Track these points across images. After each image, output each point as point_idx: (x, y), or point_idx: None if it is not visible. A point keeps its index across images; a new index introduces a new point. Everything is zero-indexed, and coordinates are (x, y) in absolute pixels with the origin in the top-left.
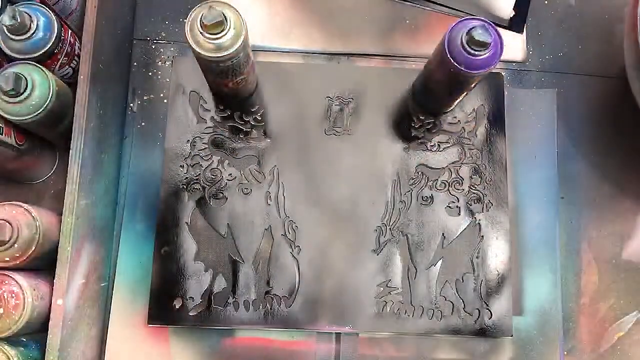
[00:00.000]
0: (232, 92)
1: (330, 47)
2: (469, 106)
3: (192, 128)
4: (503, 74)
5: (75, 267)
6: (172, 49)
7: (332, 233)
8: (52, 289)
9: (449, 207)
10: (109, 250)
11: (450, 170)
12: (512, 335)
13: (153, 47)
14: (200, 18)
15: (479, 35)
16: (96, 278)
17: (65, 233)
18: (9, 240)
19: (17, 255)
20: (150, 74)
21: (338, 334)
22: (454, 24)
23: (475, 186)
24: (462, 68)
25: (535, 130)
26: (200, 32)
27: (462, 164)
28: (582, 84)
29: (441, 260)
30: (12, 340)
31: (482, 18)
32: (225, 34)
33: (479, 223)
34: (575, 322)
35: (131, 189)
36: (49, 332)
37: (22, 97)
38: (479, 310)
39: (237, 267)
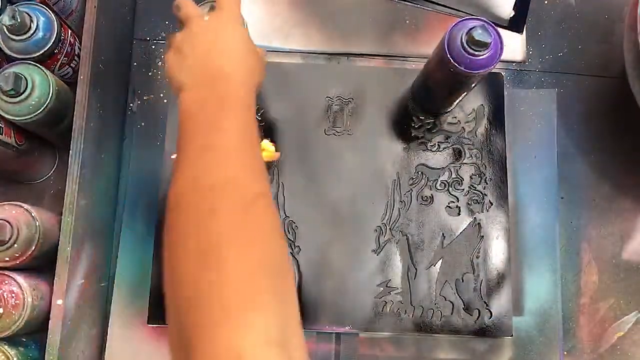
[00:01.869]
0: None
1: (330, 47)
2: (469, 106)
3: None
4: (503, 74)
5: (75, 267)
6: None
7: (332, 233)
8: (52, 289)
9: (449, 207)
10: (109, 250)
11: (450, 170)
12: (512, 335)
13: (153, 47)
14: None
15: (479, 35)
16: (96, 278)
17: (65, 233)
18: (9, 240)
19: (17, 255)
20: (150, 74)
21: (338, 334)
22: (454, 24)
23: (475, 186)
24: (462, 68)
25: (535, 130)
26: None
27: (462, 164)
28: (582, 84)
29: (441, 260)
30: (12, 340)
31: (482, 18)
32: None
33: (479, 223)
34: (575, 322)
35: (131, 189)
36: (48, 332)
37: (22, 97)
38: (479, 310)
39: None
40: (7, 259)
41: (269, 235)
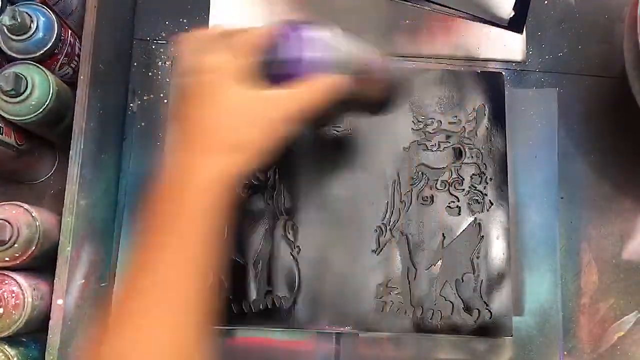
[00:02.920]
0: None
1: None
2: (469, 106)
3: None
4: (503, 74)
5: (75, 267)
6: (172, 49)
7: (332, 233)
8: (52, 289)
9: (449, 207)
10: (109, 250)
11: (451, 170)
12: (512, 335)
13: (153, 47)
14: None
15: None
16: (96, 278)
17: (65, 233)
18: (9, 240)
19: (17, 255)
20: (150, 74)
21: (338, 334)
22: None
23: (476, 186)
24: None
25: (535, 130)
26: None
27: (462, 163)
28: (582, 84)
29: (441, 260)
30: (12, 340)
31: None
32: None
33: (479, 223)
34: (575, 322)
35: (131, 189)
36: (49, 332)
37: (22, 97)
38: (479, 310)
39: (237, 267)
40: (7, 259)
41: None
